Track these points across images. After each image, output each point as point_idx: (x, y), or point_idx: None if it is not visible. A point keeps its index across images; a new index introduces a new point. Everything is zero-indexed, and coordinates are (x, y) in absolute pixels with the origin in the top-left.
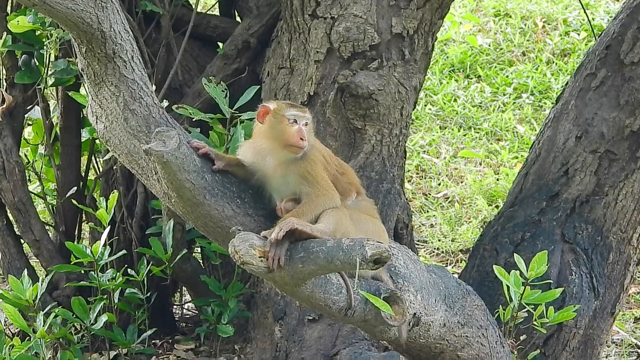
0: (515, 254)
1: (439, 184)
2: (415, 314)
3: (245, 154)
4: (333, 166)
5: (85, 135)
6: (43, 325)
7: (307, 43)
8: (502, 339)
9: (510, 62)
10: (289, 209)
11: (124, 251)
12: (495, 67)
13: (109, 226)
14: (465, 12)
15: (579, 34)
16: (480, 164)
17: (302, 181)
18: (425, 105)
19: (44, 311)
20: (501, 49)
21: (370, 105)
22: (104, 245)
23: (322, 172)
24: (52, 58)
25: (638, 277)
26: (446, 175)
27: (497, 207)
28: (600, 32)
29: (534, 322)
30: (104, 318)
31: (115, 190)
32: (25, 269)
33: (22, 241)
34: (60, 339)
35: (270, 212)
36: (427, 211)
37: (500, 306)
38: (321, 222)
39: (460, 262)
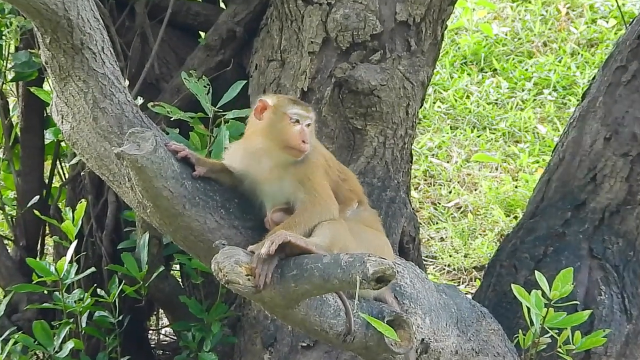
0: (536, 271)
1: (450, 192)
2: (423, 339)
3: (234, 156)
4: (335, 171)
5: (49, 137)
6: (1, 353)
7: (300, 32)
8: None
9: (530, 54)
10: (278, 220)
11: (92, 269)
12: (513, 59)
13: (76, 240)
14: None
15: (607, 22)
16: (497, 169)
17: (298, 187)
18: (434, 103)
19: (2, 337)
20: (519, 38)
21: (371, 102)
22: (70, 262)
23: (322, 179)
24: (12, 49)
25: None
26: (458, 182)
27: (515, 218)
28: (631, 20)
29: (559, 349)
30: (70, 345)
31: (83, 200)
32: None
33: None
34: None
35: (260, 224)
36: (437, 223)
37: (520, 331)
38: (316, 235)
39: (474, 280)
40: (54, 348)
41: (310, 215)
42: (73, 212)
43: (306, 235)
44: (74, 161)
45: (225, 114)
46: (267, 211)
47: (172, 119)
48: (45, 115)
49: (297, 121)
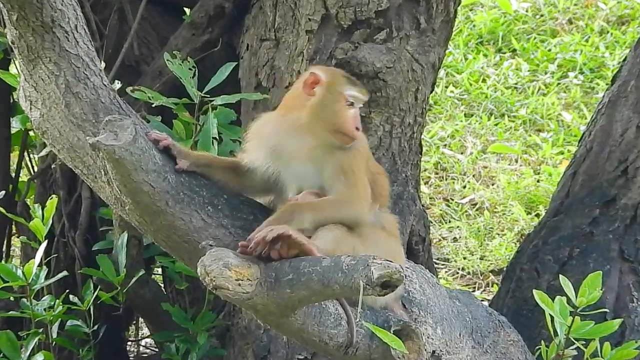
0: (560, 276)
1: (464, 187)
2: (434, 351)
3: (265, 127)
4: (373, 165)
5: (16, 125)
6: None
7: (296, 8)
8: None
9: (554, 32)
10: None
11: (64, 272)
12: (535, 38)
13: (46, 241)
14: None
15: None
16: (516, 161)
17: (338, 176)
18: (447, 87)
19: None
20: (542, 15)
21: (376, 87)
22: (40, 265)
23: (364, 174)
24: None
25: None
26: (473, 176)
27: (537, 215)
28: None
29: None
30: (39, 358)
31: (53, 196)
32: None
33: None
34: None
35: (252, 223)
36: (449, 221)
37: (543, 342)
38: (319, 238)
39: (492, 285)
40: None
41: (340, 209)
42: (43, 209)
43: (311, 231)
44: (43, 152)
45: (213, 100)
46: (290, 194)
47: (153, 106)
48: (11, 101)
49: (352, 104)
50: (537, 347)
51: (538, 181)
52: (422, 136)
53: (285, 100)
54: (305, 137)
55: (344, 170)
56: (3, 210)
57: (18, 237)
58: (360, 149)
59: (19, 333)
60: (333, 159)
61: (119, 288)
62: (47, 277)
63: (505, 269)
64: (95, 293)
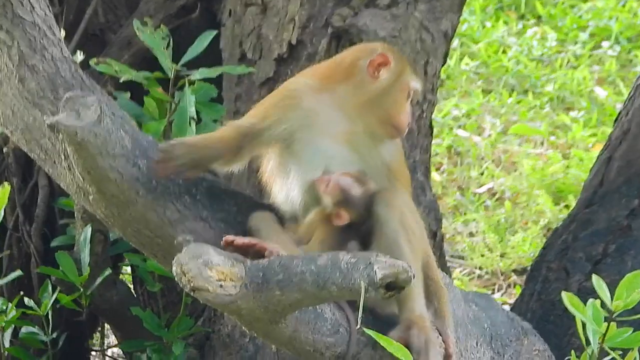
0: (594, 275)
1: (482, 174)
2: None
3: (307, 90)
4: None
5: None
6: None
7: None
8: None
9: None
10: (345, 186)
11: (18, 272)
12: (563, 3)
13: None
14: None
15: None
16: (542, 144)
17: (384, 169)
18: (461, 59)
19: None
20: None
21: None
22: None
23: (407, 169)
24: None
25: None
26: (492, 161)
27: (566, 207)
28: None
29: None
30: None
31: (6, 183)
32: None
33: None
34: None
35: (235, 215)
36: (465, 213)
37: (573, 352)
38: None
39: (513, 287)
40: None
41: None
42: None
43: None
44: None
45: (190, 74)
46: (311, 172)
47: (121, 81)
48: None
49: (409, 95)
50: (566, 358)
51: (567, 167)
52: (433, 116)
53: (328, 70)
54: (348, 117)
55: (391, 167)
56: None
57: None
58: (400, 143)
59: None
60: (377, 152)
61: (82, 290)
62: None
63: (529, 268)
64: (54, 296)
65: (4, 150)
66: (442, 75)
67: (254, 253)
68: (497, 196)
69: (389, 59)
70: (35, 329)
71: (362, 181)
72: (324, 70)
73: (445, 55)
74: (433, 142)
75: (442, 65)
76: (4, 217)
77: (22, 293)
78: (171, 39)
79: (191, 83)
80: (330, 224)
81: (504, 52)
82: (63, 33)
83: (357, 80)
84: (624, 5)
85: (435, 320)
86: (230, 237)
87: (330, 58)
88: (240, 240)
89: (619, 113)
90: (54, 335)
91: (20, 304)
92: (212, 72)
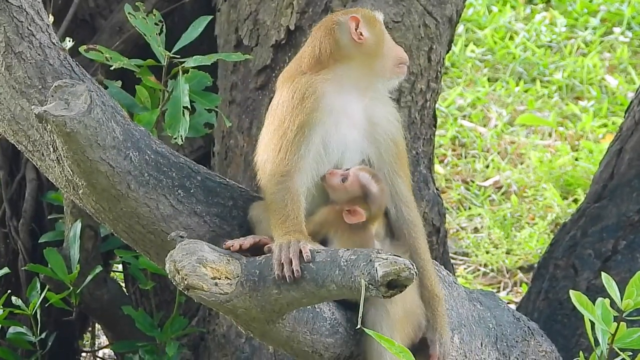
0: (603, 273)
1: (487, 166)
2: None
3: (322, 93)
4: None
5: None
6: None
7: None
8: None
9: None
10: (364, 181)
11: (5, 269)
12: None
13: None
14: None
15: None
16: (550, 136)
17: (394, 149)
18: (466, 46)
19: None
20: None
21: None
22: None
23: (408, 167)
24: None
25: None
26: (498, 153)
27: (575, 201)
28: None
29: None
30: None
31: None
32: None
33: None
34: None
35: (231, 209)
36: (469, 207)
37: (581, 353)
38: None
39: (520, 285)
40: None
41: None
42: None
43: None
44: None
45: (184, 62)
46: (338, 167)
47: (112, 68)
48: None
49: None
50: (575, 359)
51: (576, 159)
52: (437, 105)
53: (314, 59)
54: (358, 94)
55: (400, 159)
56: None
57: None
58: (402, 138)
59: None
60: (385, 130)
61: (71, 288)
62: None
63: (536, 265)
64: (43, 294)
65: None
66: (447, 63)
67: (254, 248)
68: (503, 190)
69: (358, 17)
70: (23, 329)
71: (378, 178)
72: (312, 60)
73: (450, 42)
74: (437, 133)
75: (447, 52)
76: None
77: (9, 292)
78: (164, 25)
79: (185, 71)
80: (344, 222)
81: (511, 38)
82: (51, 18)
83: (350, 53)
84: None
85: (428, 332)
86: (230, 243)
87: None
88: (246, 242)
89: (631, 102)
90: (43, 335)
91: (8, 303)
92: (207, 60)
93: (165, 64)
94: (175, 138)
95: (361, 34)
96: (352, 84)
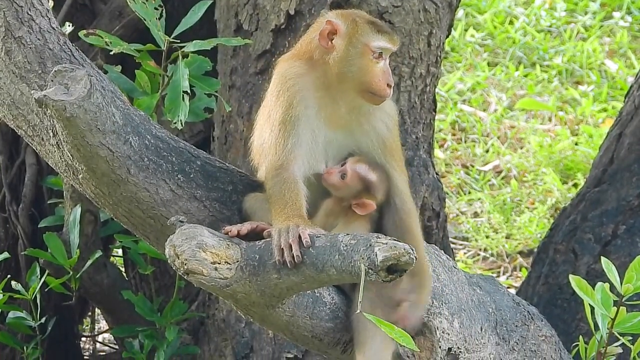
0: (603, 258)
1: (487, 151)
2: (450, 349)
3: (303, 86)
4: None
5: None
6: None
7: None
8: None
9: None
10: (363, 174)
11: (5, 254)
12: None
13: None
14: None
15: None
16: (550, 120)
17: (381, 146)
18: (466, 31)
19: None
20: None
21: None
22: None
23: (399, 143)
24: None
25: None
26: (497, 138)
27: (575, 185)
28: None
29: None
30: None
31: None
32: None
33: None
34: None
35: (231, 194)
36: (469, 192)
37: (581, 337)
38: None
39: (519, 269)
40: None
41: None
42: None
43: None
44: None
45: (183, 46)
46: (328, 163)
47: (112, 53)
48: None
49: (381, 55)
50: (574, 344)
51: (576, 144)
52: (437, 90)
53: (301, 48)
54: (335, 99)
55: (389, 148)
56: None
57: None
58: (393, 113)
59: None
60: (370, 127)
61: (71, 273)
62: None
63: (536, 249)
64: (43, 279)
65: None
66: (446, 47)
67: (253, 234)
68: (502, 174)
69: (336, 25)
70: (23, 314)
71: (375, 165)
72: (301, 50)
73: (450, 26)
74: (437, 117)
75: (447, 37)
76: None
77: (9, 276)
78: (164, 10)
79: (185, 56)
80: (350, 212)
81: (510, 22)
82: (51, 3)
83: (320, 56)
84: None
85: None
86: (228, 229)
87: None
88: (244, 228)
89: (630, 87)
90: (43, 320)
91: (7, 288)
92: (207, 44)
93: (165, 48)
94: (175, 123)
95: (331, 41)
96: (330, 88)
